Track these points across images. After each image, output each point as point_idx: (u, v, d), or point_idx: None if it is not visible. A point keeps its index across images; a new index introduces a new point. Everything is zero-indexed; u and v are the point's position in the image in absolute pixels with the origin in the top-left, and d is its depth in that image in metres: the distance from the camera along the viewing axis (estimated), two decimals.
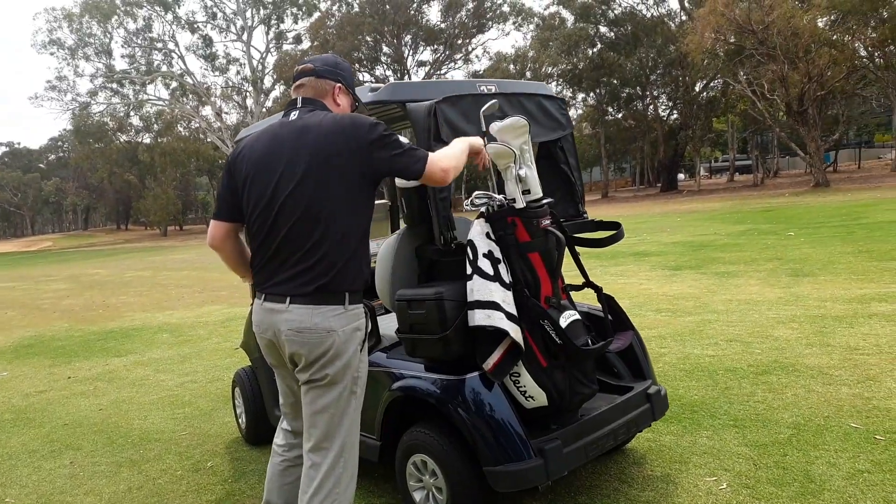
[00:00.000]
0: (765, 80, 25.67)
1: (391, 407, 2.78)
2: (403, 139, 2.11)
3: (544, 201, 2.49)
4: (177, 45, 43.32)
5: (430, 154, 2.08)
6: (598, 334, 2.67)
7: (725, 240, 12.21)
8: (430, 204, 2.56)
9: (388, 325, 3.14)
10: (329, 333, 2.03)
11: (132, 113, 47.99)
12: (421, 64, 43.62)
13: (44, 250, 45.94)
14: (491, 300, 2.30)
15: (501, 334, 2.36)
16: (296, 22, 43.82)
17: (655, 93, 40.95)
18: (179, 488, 3.40)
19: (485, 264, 2.36)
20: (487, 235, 2.44)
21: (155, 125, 49.30)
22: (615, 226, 2.84)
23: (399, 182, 2.69)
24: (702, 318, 5.87)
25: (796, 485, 2.71)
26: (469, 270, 2.39)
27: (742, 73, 27.29)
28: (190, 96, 45.34)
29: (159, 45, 43.66)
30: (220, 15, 43.35)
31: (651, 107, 41.38)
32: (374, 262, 2.78)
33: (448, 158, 2.10)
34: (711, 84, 36.14)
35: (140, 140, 51.22)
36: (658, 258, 10.53)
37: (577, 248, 2.76)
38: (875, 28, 26.21)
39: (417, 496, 2.68)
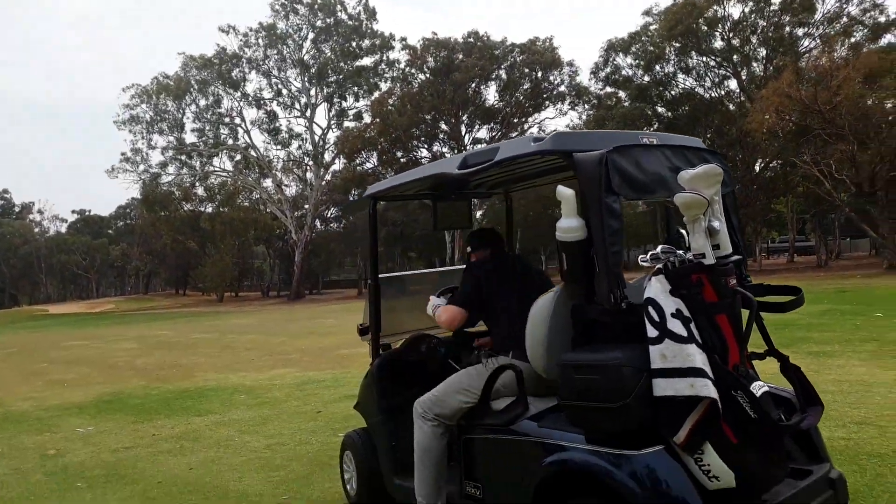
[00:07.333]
0: (832, 159, 25.04)
1: (544, 482, 2.53)
2: None
3: (731, 259, 2.31)
4: (243, 119, 45.81)
5: None
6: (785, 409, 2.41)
7: (807, 319, 11.53)
8: (597, 259, 2.41)
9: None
10: None
11: (198, 184, 50.22)
12: (476, 141, 44.63)
13: (107, 312, 47.38)
14: (693, 366, 2.09)
15: (692, 402, 2.13)
16: (357, 100, 45.77)
17: None
18: None
19: (676, 325, 2.16)
20: (670, 293, 2.25)
21: (217, 195, 51.29)
22: (793, 290, 2.62)
23: (559, 234, 2.55)
24: None
25: None
26: (654, 333, 2.20)
27: (807, 153, 26.74)
28: (254, 168, 47.33)
29: (227, 119, 46.11)
30: (285, 92, 45.71)
31: None
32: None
33: None
34: (771, 164, 35.62)
35: (203, 209, 53.22)
36: None
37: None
38: None
39: None
